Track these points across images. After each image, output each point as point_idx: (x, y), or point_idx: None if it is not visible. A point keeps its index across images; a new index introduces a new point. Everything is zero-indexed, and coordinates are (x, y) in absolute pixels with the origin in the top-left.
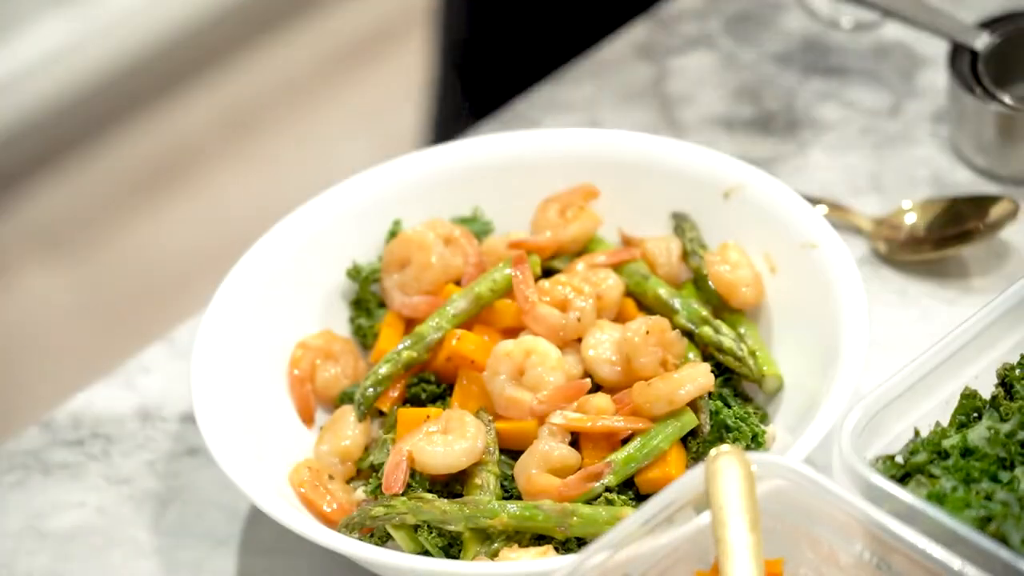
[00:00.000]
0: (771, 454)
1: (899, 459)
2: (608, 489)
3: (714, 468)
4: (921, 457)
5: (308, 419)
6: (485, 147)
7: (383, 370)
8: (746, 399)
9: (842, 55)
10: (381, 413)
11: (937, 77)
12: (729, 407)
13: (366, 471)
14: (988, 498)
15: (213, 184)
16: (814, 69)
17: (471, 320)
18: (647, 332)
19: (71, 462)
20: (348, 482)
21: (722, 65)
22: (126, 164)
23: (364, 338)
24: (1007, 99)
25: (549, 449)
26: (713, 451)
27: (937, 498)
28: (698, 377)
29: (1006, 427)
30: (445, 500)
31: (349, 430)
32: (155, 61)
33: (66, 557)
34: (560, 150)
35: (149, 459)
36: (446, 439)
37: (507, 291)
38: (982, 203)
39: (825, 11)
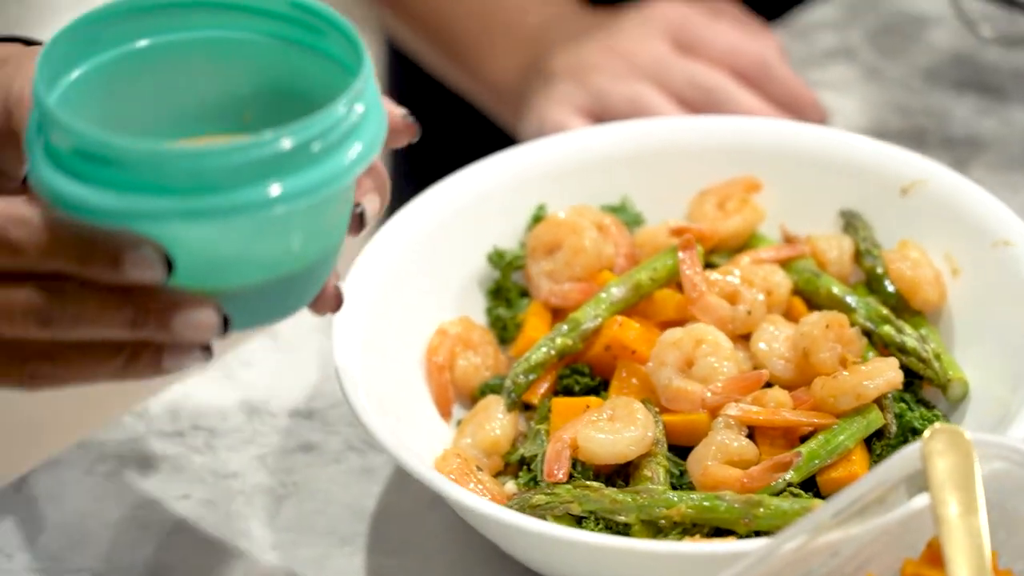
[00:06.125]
0: (991, 434)
1: None
2: (790, 485)
3: (931, 447)
4: None
5: (445, 411)
6: (637, 132)
7: (536, 357)
8: (927, 406)
9: (997, 73)
10: (526, 407)
11: None
12: (912, 410)
13: (514, 466)
14: None
15: None
16: (968, 85)
17: (628, 311)
18: (827, 326)
19: (171, 454)
20: (495, 476)
21: (865, 78)
22: None
23: (503, 330)
24: None
25: (728, 441)
26: (927, 431)
27: None
28: (887, 371)
29: None
30: (614, 489)
31: (496, 421)
32: None
33: (173, 550)
34: (718, 138)
35: (258, 454)
36: (614, 426)
37: (668, 281)
38: None
39: (978, 20)
